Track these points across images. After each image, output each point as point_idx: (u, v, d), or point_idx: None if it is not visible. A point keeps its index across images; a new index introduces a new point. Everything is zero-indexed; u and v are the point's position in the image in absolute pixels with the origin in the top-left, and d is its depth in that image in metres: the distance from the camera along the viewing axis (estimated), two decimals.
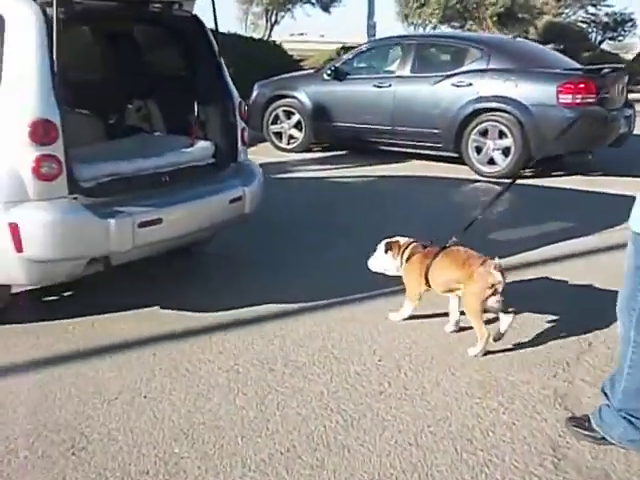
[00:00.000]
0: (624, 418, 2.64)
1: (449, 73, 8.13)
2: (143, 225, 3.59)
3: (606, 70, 7.95)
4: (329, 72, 9.09)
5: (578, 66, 8.28)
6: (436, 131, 8.14)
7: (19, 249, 3.34)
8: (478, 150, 7.95)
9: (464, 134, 7.97)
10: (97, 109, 4.81)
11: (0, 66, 3.37)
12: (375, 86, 8.71)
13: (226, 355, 3.43)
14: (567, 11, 27.01)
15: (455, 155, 8.16)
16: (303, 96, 9.10)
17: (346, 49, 19.49)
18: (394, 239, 3.82)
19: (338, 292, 4.20)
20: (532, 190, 7.11)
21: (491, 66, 7.86)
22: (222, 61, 4.37)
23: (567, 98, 7.38)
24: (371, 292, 4.16)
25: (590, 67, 8.50)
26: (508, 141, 7.72)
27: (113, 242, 3.48)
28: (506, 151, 7.75)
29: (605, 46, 27.14)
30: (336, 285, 4.35)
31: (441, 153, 8.33)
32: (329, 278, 4.49)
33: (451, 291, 3.60)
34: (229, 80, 4.41)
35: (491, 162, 7.88)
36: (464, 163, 8.08)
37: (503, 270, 3.39)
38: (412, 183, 7.63)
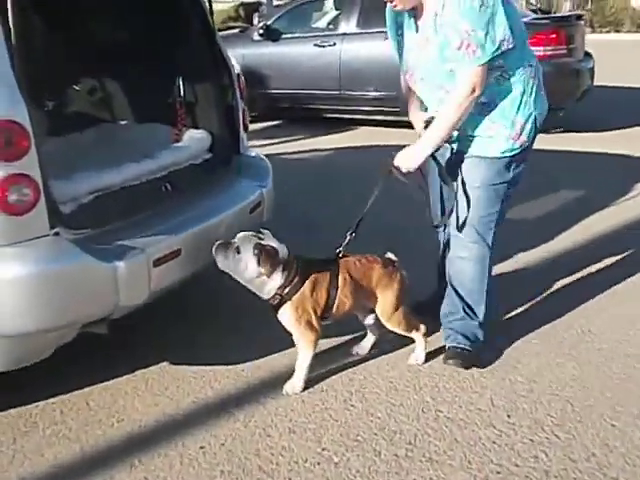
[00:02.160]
0: None
1: None
2: (160, 262, 2.49)
3: (572, 18, 7.37)
4: (260, 32, 7.97)
5: (540, 15, 7.64)
6: (391, 94, 7.26)
7: None
8: None
9: None
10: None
11: None
12: (316, 45, 7.71)
13: (305, 437, 2.45)
14: None
15: None
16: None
17: (246, 5, 18.17)
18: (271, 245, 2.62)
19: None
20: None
21: None
22: (212, 19, 3.25)
23: (538, 50, 6.68)
24: None
25: (555, 15, 7.90)
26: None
27: (123, 294, 2.37)
28: None
29: None
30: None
31: (400, 118, 7.47)
32: None
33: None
34: (222, 45, 3.30)
35: None
36: None
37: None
38: (371, 154, 6.76)
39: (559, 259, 3.98)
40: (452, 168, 2.80)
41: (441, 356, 2.90)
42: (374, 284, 2.73)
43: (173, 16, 3.20)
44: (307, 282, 2.65)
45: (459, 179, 2.77)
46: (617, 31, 22.51)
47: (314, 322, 2.67)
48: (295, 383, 2.71)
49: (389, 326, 2.82)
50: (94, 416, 2.59)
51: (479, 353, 2.89)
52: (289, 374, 2.74)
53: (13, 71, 2.17)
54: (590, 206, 4.95)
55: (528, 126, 2.69)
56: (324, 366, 2.87)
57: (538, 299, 3.47)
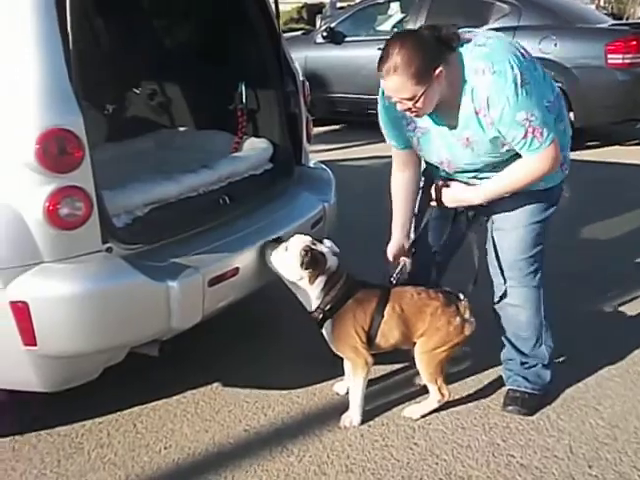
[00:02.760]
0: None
1: None
2: (215, 282, 2.34)
3: None
4: (324, 34, 7.80)
5: (618, 22, 7.26)
6: None
7: (29, 342, 2.05)
8: None
9: None
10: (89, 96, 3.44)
11: None
12: (380, 49, 7.47)
13: (363, 478, 2.26)
14: None
15: None
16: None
17: (309, 7, 18.09)
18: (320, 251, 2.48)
19: None
20: (581, 167, 6.09)
21: (523, 23, 6.74)
22: (278, 24, 3.09)
23: (617, 58, 6.35)
24: None
25: (635, 22, 7.50)
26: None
27: (175, 315, 2.22)
28: None
29: None
30: None
31: None
32: None
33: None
34: (287, 51, 3.14)
35: None
36: None
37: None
38: None
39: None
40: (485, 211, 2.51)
41: None
42: (426, 322, 2.46)
43: (238, 19, 3.04)
44: (351, 301, 2.46)
45: (496, 221, 2.50)
46: None
47: (359, 347, 2.47)
48: (352, 415, 2.52)
49: (417, 361, 2.52)
50: (141, 439, 2.47)
51: (544, 396, 2.63)
52: (346, 404, 2.56)
53: (70, 78, 2.04)
54: None
55: (568, 151, 2.43)
56: (386, 396, 2.67)
57: (621, 330, 3.18)
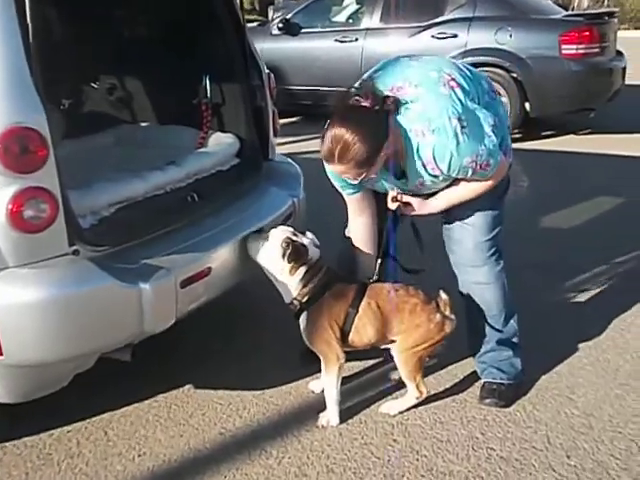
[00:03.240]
0: None
1: (428, 23, 6.99)
2: (187, 283, 2.26)
3: (604, 16, 7.08)
4: (280, 26, 7.71)
5: (572, 12, 7.37)
6: None
7: None
8: None
9: None
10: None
11: None
12: (337, 41, 7.46)
13: (345, 478, 2.23)
14: None
15: None
16: None
17: None
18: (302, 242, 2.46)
19: None
20: (538, 157, 6.20)
21: (478, 14, 6.78)
22: (243, 16, 3.01)
23: (571, 49, 6.45)
24: None
25: (588, 12, 7.62)
26: (502, 100, 6.72)
27: (148, 319, 2.14)
28: None
29: None
30: None
31: None
32: None
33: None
34: (252, 43, 3.07)
35: None
36: None
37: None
38: None
39: (607, 273, 3.71)
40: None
41: None
42: (404, 320, 2.42)
43: (201, 10, 2.96)
44: (328, 294, 2.43)
45: (452, 214, 2.52)
46: (637, 28, 22.09)
47: (332, 341, 2.43)
48: (330, 415, 2.48)
49: (396, 359, 2.49)
50: (113, 448, 2.38)
51: (519, 386, 2.65)
52: (323, 402, 2.52)
53: (31, 72, 1.94)
54: (633, 212, 4.70)
55: (509, 140, 2.48)
56: (362, 393, 2.65)
57: (587, 319, 3.22)
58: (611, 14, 7.25)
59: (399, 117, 2.21)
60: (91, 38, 3.25)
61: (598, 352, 2.94)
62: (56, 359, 2.02)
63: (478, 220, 2.50)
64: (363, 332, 2.45)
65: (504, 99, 6.68)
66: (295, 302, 2.45)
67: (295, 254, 2.39)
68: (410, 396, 2.52)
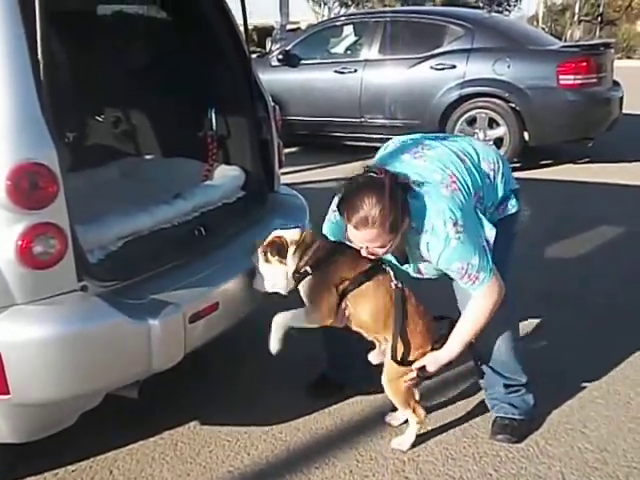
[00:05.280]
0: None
1: (427, 54, 7.04)
2: (196, 318, 2.23)
3: (601, 46, 7.16)
4: (279, 57, 7.77)
5: (569, 43, 7.45)
6: (415, 122, 7.02)
7: (1, 390, 1.91)
8: None
9: (448, 124, 6.95)
10: None
11: None
12: (337, 72, 7.50)
13: None
14: None
15: None
16: None
17: (259, 29, 18.07)
18: (277, 234, 2.45)
19: None
20: (537, 186, 6.21)
21: (477, 45, 6.85)
22: (248, 48, 3.03)
23: (568, 79, 6.51)
24: None
25: (585, 43, 7.70)
26: (501, 130, 6.77)
27: (156, 356, 2.11)
28: (498, 142, 6.79)
29: None
30: None
31: None
32: None
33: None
34: (257, 75, 3.08)
35: None
36: None
37: None
38: None
39: (615, 305, 3.68)
40: None
41: None
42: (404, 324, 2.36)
43: (206, 42, 2.97)
44: (332, 262, 2.37)
45: None
46: (629, 57, 22.43)
47: (331, 298, 2.34)
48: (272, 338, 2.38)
49: (386, 389, 2.45)
50: None
51: (531, 421, 2.60)
52: (332, 437, 2.48)
53: (42, 108, 1.93)
54: (634, 242, 4.70)
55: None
56: (372, 431, 2.60)
57: (594, 351, 3.19)
58: (607, 45, 7.34)
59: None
60: (96, 71, 3.27)
61: (608, 384, 2.90)
62: (63, 397, 1.98)
63: None
64: (361, 309, 2.38)
65: (502, 129, 6.75)
66: (296, 275, 2.39)
67: (274, 249, 2.38)
68: (412, 424, 2.48)
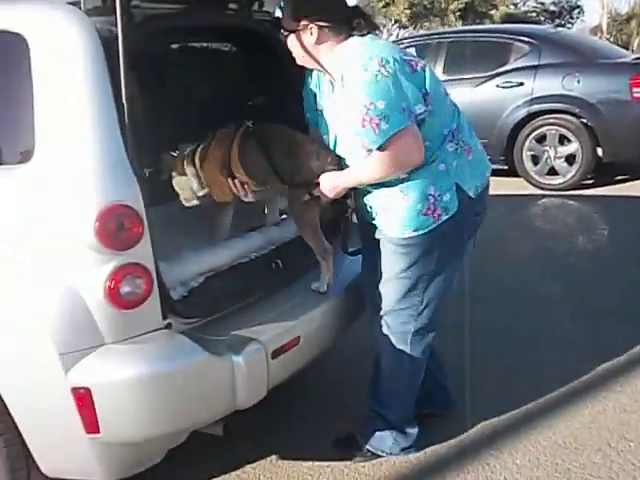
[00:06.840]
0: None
1: (492, 73, 6.96)
2: (278, 353, 2.22)
3: None
4: None
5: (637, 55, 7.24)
6: (482, 141, 6.86)
7: (92, 429, 1.94)
8: (534, 160, 6.83)
9: (517, 142, 6.84)
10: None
11: (30, 124, 1.97)
12: None
13: None
14: (518, 2, 26.71)
15: (504, 167, 6.98)
16: None
17: None
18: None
19: None
20: (613, 202, 5.99)
21: (544, 61, 6.72)
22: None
23: (637, 92, 6.31)
24: None
25: None
26: (573, 147, 6.60)
27: (240, 392, 2.10)
28: (570, 159, 6.63)
29: None
30: None
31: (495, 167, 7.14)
32: None
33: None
34: None
35: (551, 172, 6.76)
36: (514, 175, 6.95)
37: None
38: None
39: None
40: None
41: None
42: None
43: (287, 74, 2.99)
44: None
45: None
46: None
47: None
48: None
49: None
50: None
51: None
52: (419, 471, 2.41)
53: (126, 148, 1.98)
54: None
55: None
56: (457, 466, 2.53)
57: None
58: None
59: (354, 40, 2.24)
60: (171, 106, 3.33)
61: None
62: (153, 436, 1.99)
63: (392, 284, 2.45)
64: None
65: (574, 145, 6.58)
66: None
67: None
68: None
